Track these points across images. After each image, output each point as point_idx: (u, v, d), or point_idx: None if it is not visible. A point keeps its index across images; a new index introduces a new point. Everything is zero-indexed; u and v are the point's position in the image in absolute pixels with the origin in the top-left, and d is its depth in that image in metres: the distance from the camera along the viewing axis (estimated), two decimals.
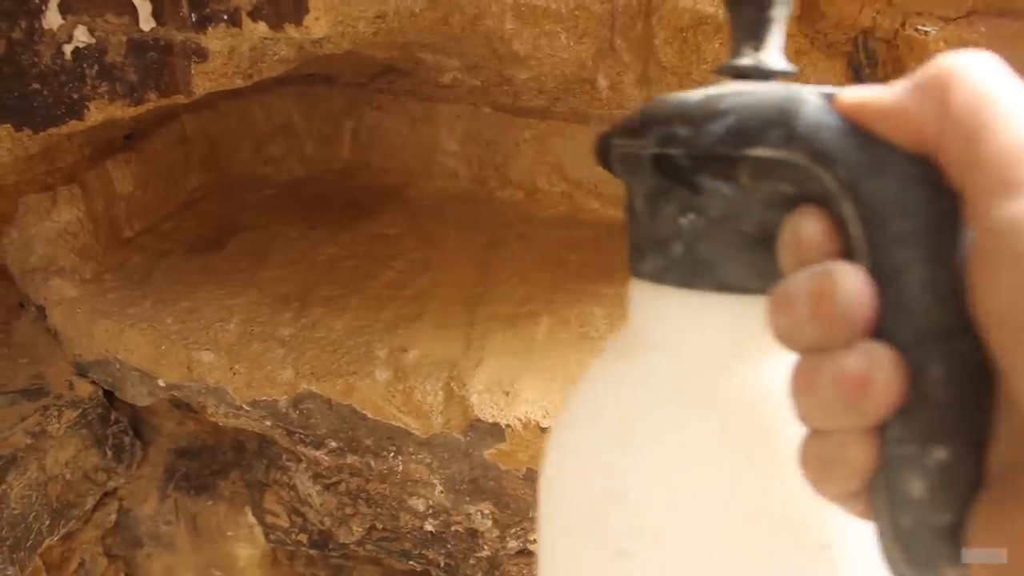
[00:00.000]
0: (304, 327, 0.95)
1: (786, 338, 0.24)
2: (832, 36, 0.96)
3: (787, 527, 0.27)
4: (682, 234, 0.28)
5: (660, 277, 0.29)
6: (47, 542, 0.95)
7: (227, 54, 0.87)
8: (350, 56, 1.00)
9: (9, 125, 0.85)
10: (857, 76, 0.99)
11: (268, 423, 0.95)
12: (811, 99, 0.24)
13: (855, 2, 0.91)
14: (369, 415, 0.89)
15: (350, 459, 0.94)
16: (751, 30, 0.30)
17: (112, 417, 1.03)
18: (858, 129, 0.23)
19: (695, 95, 0.27)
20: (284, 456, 1.02)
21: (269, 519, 1.07)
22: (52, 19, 0.83)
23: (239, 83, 0.90)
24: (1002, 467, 0.22)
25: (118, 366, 0.97)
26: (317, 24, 0.83)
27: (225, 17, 0.83)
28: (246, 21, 0.83)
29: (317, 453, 0.96)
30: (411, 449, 0.90)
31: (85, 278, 1.02)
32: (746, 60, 0.29)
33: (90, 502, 1.00)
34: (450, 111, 1.13)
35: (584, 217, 1.10)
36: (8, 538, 0.89)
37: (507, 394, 0.85)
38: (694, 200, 0.27)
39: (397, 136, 1.17)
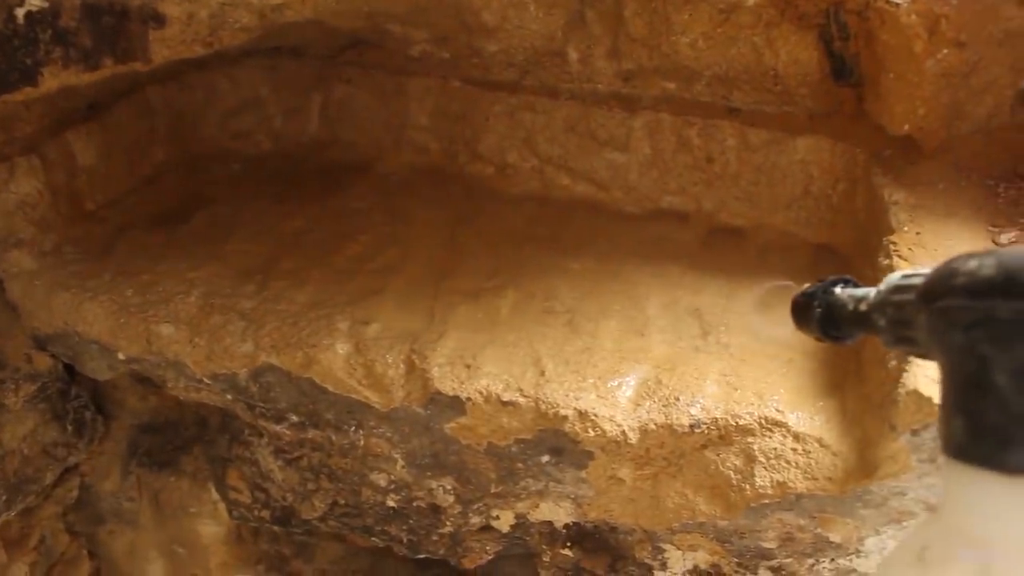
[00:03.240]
0: (266, 300, 0.93)
1: None
2: (803, 8, 0.95)
3: None
4: None
5: None
6: (4, 517, 0.93)
7: (185, 20, 0.85)
8: (316, 26, 0.99)
9: None
10: (828, 49, 0.97)
11: (229, 397, 0.94)
12: None
13: None
14: (330, 388, 0.88)
15: (311, 433, 0.93)
16: None
17: (73, 392, 1.01)
18: None
19: None
20: (246, 431, 1.01)
21: (232, 495, 1.06)
22: None
23: (199, 51, 0.89)
24: None
25: (77, 339, 0.96)
26: None
27: None
28: None
29: (278, 427, 0.94)
30: (372, 423, 0.89)
31: (45, 250, 1.00)
32: None
33: (49, 477, 0.99)
34: (420, 85, 1.11)
35: (554, 193, 1.09)
36: None
37: (468, 367, 0.84)
38: None
39: (366, 110, 1.15)
